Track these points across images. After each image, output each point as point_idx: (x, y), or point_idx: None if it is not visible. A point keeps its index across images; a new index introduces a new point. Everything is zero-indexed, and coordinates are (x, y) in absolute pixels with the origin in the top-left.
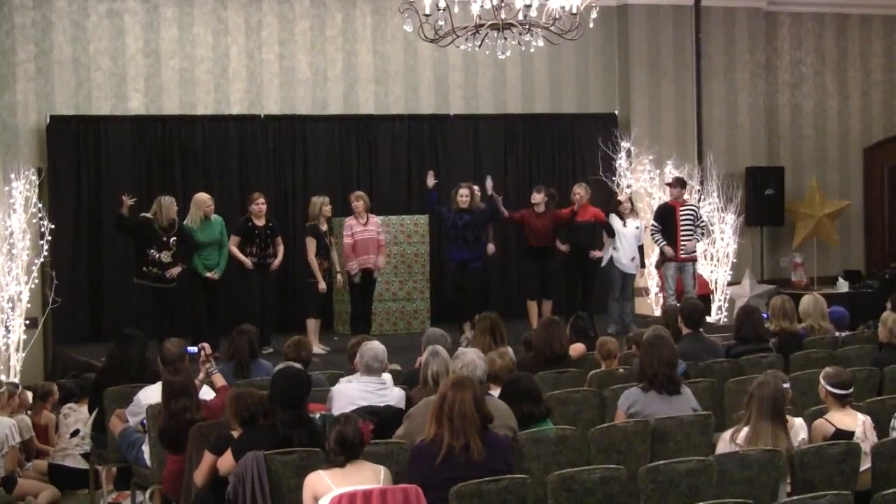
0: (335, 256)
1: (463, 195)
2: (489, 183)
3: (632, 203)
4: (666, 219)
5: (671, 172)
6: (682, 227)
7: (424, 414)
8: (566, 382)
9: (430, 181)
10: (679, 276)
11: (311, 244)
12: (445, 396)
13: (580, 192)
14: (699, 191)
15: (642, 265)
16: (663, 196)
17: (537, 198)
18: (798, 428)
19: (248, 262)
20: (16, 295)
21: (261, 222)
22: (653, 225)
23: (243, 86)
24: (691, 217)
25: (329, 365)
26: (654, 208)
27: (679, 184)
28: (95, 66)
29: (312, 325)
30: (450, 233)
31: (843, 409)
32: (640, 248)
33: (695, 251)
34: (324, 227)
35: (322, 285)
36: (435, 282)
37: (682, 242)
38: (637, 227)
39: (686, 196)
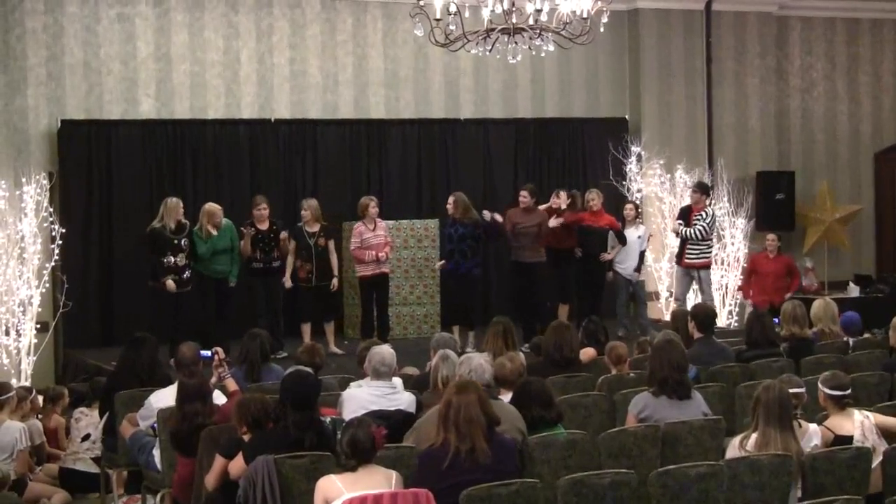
0: (334, 260)
1: (448, 202)
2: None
3: (637, 210)
4: (683, 220)
5: (682, 176)
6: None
7: (430, 426)
8: (576, 387)
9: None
10: (690, 281)
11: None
12: (451, 402)
13: (594, 198)
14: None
15: (637, 270)
16: (674, 200)
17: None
18: (812, 433)
19: (288, 281)
20: (27, 299)
21: (264, 226)
22: (677, 222)
23: (254, 90)
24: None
25: (340, 369)
26: (671, 212)
27: (699, 189)
28: (106, 70)
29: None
30: (444, 244)
31: (842, 412)
32: (642, 255)
33: (682, 236)
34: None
35: (288, 283)
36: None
37: (689, 249)
38: (639, 236)
39: (707, 201)
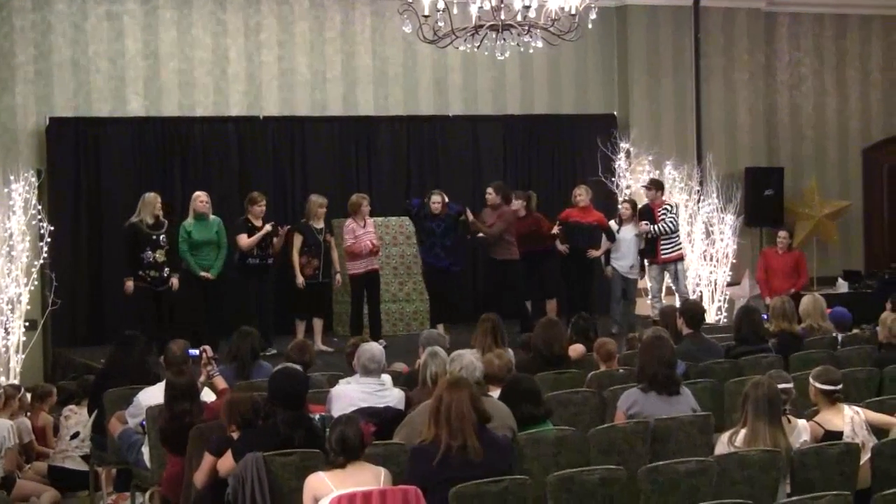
0: (335, 256)
1: (435, 202)
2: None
3: (634, 209)
4: (646, 220)
5: (671, 172)
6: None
7: (422, 420)
8: (566, 383)
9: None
10: (665, 277)
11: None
12: (441, 398)
13: (582, 193)
14: (699, 191)
15: (641, 268)
16: (663, 196)
17: (516, 204)
18: (801, 429)
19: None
20: (15, 297)
21: (259, 223)
22: (643, 223)
23: (242, 87)
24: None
25: (329, 366)
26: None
27: (654, 186)
28: (95, 68)
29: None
30: (426, 239)
31: (833, 407)
32: (642, 253)
33: (653, 234)
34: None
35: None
36: None
37: (662, 244)
38: (637, 235)
39: (664, 197)
